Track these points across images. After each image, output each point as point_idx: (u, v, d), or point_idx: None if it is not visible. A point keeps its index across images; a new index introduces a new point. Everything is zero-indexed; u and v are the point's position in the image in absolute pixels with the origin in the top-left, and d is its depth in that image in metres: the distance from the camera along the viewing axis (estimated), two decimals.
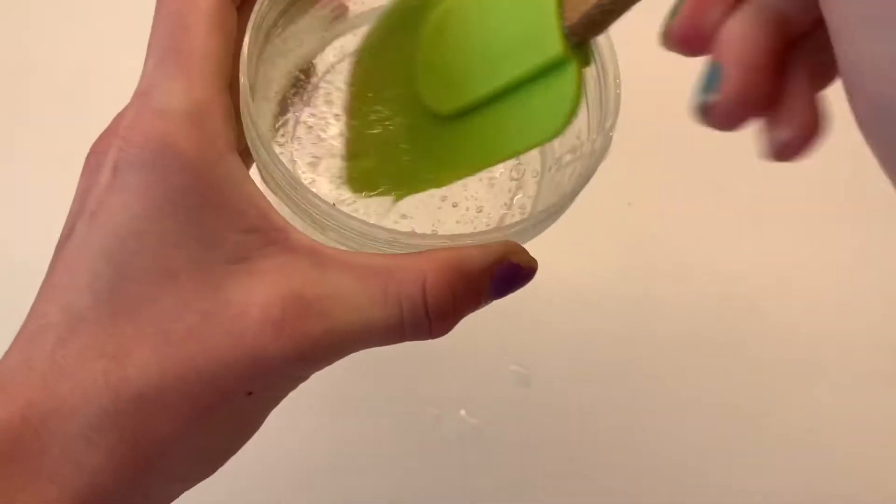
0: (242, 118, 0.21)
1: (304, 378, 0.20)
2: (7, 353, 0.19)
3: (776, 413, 0.39)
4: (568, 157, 0.26)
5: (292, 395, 0.36)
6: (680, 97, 0.46)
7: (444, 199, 0.26)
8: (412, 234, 0.21)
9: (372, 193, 0.24)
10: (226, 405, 0.18)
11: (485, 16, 0.22)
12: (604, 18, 0.19)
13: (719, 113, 0.16)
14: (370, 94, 0.25)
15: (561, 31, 0.20)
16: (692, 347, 0.39)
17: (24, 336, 0.19)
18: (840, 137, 0.49)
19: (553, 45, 0.20)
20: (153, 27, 0.20)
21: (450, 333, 0.38)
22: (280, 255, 0.19)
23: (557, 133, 0.20)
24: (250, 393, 0.19)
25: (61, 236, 0.20)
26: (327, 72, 0.26)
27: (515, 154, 0.23)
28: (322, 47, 0.27)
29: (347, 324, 0.19)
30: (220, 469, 0.34)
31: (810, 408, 0.39)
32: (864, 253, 0.43)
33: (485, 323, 0.38)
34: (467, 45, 0.22)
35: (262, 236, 0.19)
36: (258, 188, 0.20)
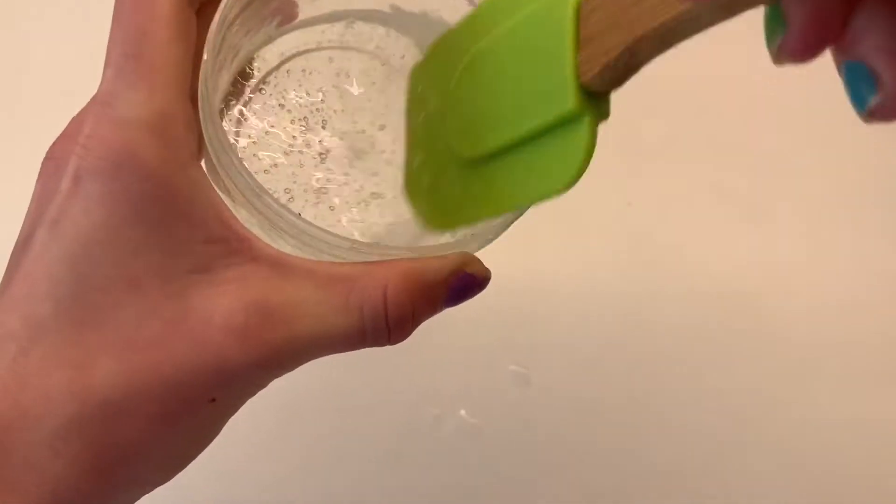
0: (203, 125, 0.21)
1: (265, 384, 0.20)
2: None
3: (776, 411, 0.39)
4: None
5: (293, 395, 0.36)
6: (680, 97, 0.46)
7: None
8: (372, 244, 0.21)
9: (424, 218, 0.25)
10: (189, 412, 0.19)
11: (507, 65, 0.22)
12: (625, 73, 0.19)
13: (888, 111, 0.15)
14: (419, 124, 0.26)
15: (576, 85, 0.19)
16: (692, 347, 0.39)
17: None
18: (839, 138, 0.49)
19: (567, 99, 0.19)
20: (112, 33, 0.20)
21: (450, 333, 0.38)
22: (243, 265, 0.19)
23: (567, 187, 0.20)
24: (213, 400, 0.19)
25: (17, 242, 0.20)
26: (270, 72, 0.26)
27: (529, 205, 0.22)
28: (264, 46, 0.27)
29: (310, 331, 0.19)
30: (220, 469, 0.34)
31: (810, 406, 0.39)
32: (863, 252, 0.43)
33: (485, 323, 0.38)
34: (490, 92, 0.22)
35: (226, 246, 0.19)
36: (220, 197, 0.20)
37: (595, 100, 0.19)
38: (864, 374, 0.40)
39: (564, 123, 0.20)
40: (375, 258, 0.21)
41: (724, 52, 0.49)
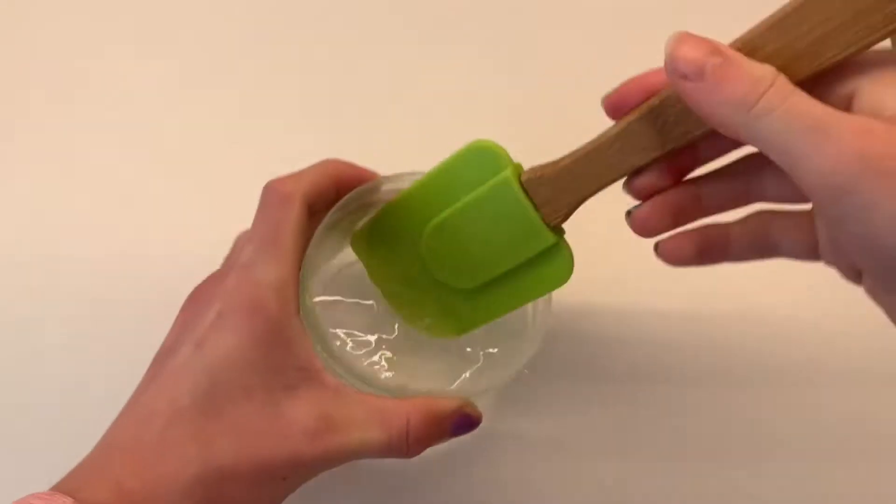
0: (300, 298, 0.30)
1: (316, 475, 0.28)
2: (119, 428, 0.27)
3: (776, 413, 0.39)
4: (505, 344, 0.35)
5: None
6: None
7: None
8: (398, 388, 0.31)
9: (416, 326, 0.34)
10: (270, 484, 0.27)
11: (480, 225, 0.30)
12: (576, 209, 0.29)
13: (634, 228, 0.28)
14: (391, 263, 0.34)
15: (547, 229, 0.29)
16: (691, 348, 0.40)
17: (135, 419, 0.27)
18: None
19: (546, 239, 0.30)
20: (256, 221, 0.30)
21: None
22: (317, 388, 0.28)
23: (565, 282, 0.30)
24: (285, 478, 0.27)
25: (162, 350, 0.28)
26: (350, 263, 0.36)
27: (521, 305, 0.32)
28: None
29: (356, 441, 0.28)
30: None
31: (809, 408, 0.39)
32: None
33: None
34: (471, 243, 0.31)
35: (307, 373, 0.28)
36: (309, 341, 0.28)
37: (558, 229, 0.30)
38: (863, 374, 0.40)
39: (544, 251, 0.30)
40: (400, 395, 0.30)
41: None
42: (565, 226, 0.31)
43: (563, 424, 0.38)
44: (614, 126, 0.27)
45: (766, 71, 0.22)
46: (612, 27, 0.49)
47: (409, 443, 0.28)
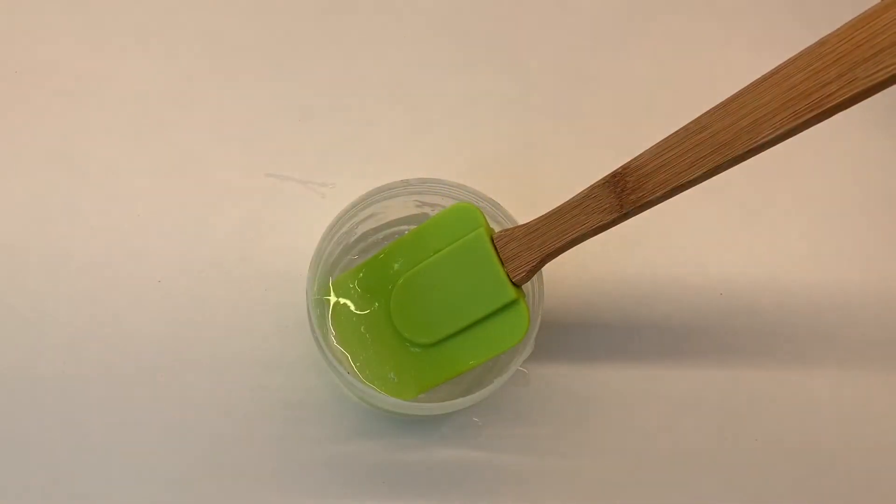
0: (330, 348, 0.33)
1: None
2: None
3: (775, 409, 0.39)
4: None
5: (299, 395, 0.36)
6: (676, 98, 0.46)
7: None
8: (411, 405, 0.33)
9: (378, 387, 0.35)
10: None
11: (449, 278, 0.33)
12: (539, 270, 0.32)
13: None
14: (360, 321, 0.36)
15: (510, 284, 0.32)
16: (691, 346, 0.40)
17: None
18: (837, 139, 0.49)
19: (508, 294, 0.32)
20: None
21: None
22: None
23: (518, 342, 0.32)
24: None
25: None
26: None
27: (478, 364, 0.33)
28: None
29: None
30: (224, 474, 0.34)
31: (808, 402, 0.39)
32: (861, 250, 0.43)
33: None
34: (437, 296, 0.34)
35: None
36: None
37: (519, 288, 0.32)
38: (860, 370, 0.40)
39: (504, 307, 0.32)
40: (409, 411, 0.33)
41: (721, 54, 0.50)
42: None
43: (562, 423, 0.38)
44: (580, 192, 0.30)
45: None
46: (611, 27, 0.49)
47: None
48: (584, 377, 0.38)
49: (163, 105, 0.43)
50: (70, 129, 0.42)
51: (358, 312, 0.36)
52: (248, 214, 0.40)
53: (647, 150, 0.28)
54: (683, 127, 0.27)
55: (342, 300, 0.36)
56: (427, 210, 0.38)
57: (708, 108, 0.27)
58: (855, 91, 0.23)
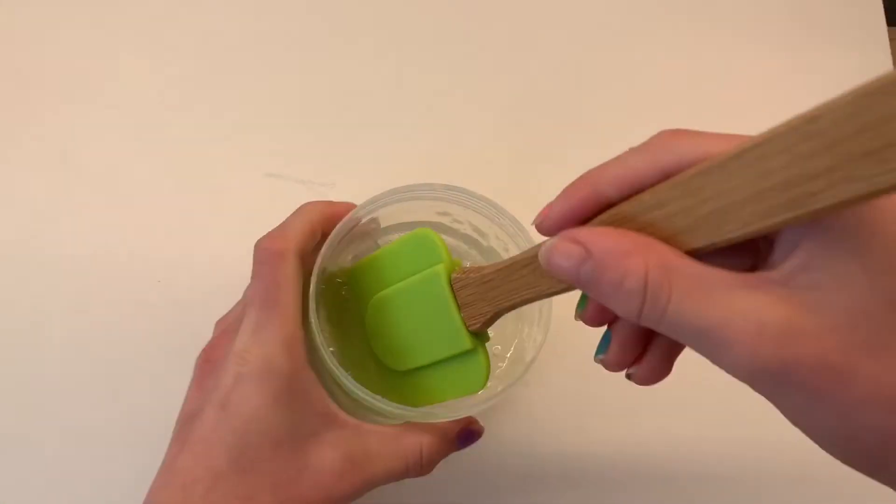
0: (313, 341, 0.32)
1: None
2: (161, 494, 0.28)
3: (775, 410, 0.39)
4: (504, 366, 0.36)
5: None
6: (679, 96, 0.46)
7: None
8: (408, 411, 0.32)
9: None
10: None
11: (410, 313, 0.32)
12: (495, 320, 0.30)
13: (605, 366, 0.26)
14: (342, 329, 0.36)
15: (467, 333, 0.30)
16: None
17: (178, 485, 0.27)
18: None
19: (464, 343, 0.30)
20: (254, 281, 0.31)
21: None
22: (336, 430, 0.30)
23: (476, 392, 0.31)
24: None
25: (186, 413, 0.30)
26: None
27: (444, 400, 0.33)
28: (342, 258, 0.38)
29: (379, 472, 0.30)
30: None
31: None
32: None
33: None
34: (401, 329, 0.33)
35: (326, 418, 0.30)
36: (321, 389, 0.30)
37: (480, 334, 0.31)
38: None
39: (463, 354, 0.31)
40: (409, 420, 0.32)
41: (722, 55, 0.50)
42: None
43: (562, 424, 0.38)
44: (532, 248, 0.26)
45: (636, 274, 0.21)
46: (611, 27, 0.49)
47: (423, 465, 0.31)
48: (585, 377, 0.38)
49: (163, 105, 0.43)
50: (70, 129, 0.42)
51: (343, 322, 0.35)
52: (248, 214, 0.40)
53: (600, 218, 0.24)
54: (637, 197, 0.22)
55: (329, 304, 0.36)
56: (446, 220, 0.37)
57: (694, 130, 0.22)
58: (849, 196, 0.17)
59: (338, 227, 0.33)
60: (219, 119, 0.43)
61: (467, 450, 0.34)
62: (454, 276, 0.30)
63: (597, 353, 0.26)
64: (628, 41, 0.48)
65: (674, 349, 0.26)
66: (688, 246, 0.21)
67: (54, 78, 0.43)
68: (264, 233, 0.31)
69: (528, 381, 0.38)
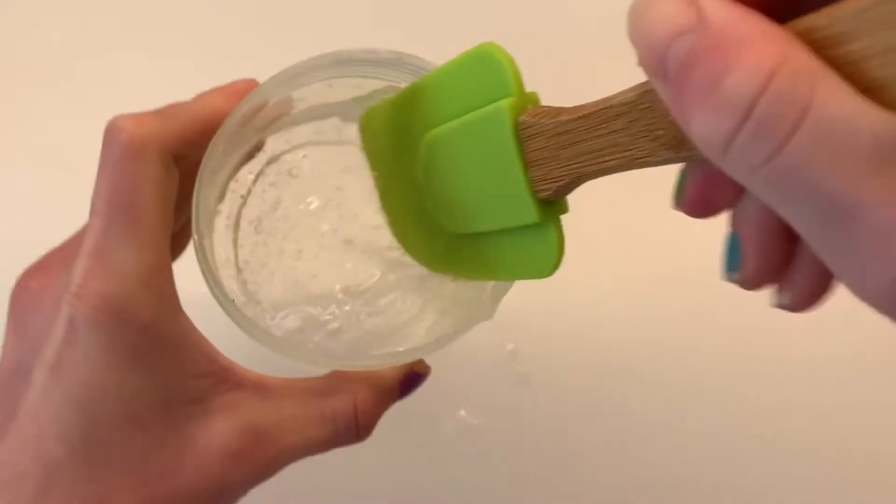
0: (198, 258, 0.23)
1: (253, 487, 0.23)
2: None
3: (774, 412, 0.39)
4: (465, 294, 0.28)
5: None
6: None
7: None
8: (340, 357, 0.24)
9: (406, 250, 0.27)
10: None
11: (467, 164, 0.23)
12: (574, 187, 0.21)
13: (742, 285, 0.18)
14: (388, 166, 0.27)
15: (534, 202, 0.21)
16: (691, 347, 0.40)
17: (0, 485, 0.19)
18: None
19: (530, 214, 0.21)
20: (98, 181, 0.21)
21: None
22: (230, 392, 0.22)
23: (545, 276, 0.22)
24: None
25: (4, 373, 0.21)
26: (258, 175, 0.28)
27: (503, 280, 0.25)
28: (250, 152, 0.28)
29: (294, 444, 0.22)
30: None
31: (808, 403, 0.39)
32: None
33: (484, 323, 0.38)
34: (457, 184, 0.24)
35: (213, 378, 0.22)
36: (203, 336, 0.22)
37: (554, 204, 0.21)
38: (860, 372, 0.40)
39: (532, 227, 0.22)
40: (339, 368, 0.24)
41: None
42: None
43: (562, 424, 0.38)
44: (631, 87, 0.18)
45: (761, 64, 0.12)
46: (611, 27, 0.49)
47: (360, 427, 0.23)
48: (585, 377, 0.38)
49: (162, 104, 0.43)
50: (69, 129, 0.42)
51: (391, 160, 0.27)
52: None
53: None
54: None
55: (375, 136, 0.27)
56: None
57: None
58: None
59: (233, 112, 0.24)
60: None
61: (464, 450, 0.33)
62: (523, 118, 0.21)
63: (727, 269, 0.18)
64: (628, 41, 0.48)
65: None
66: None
67: (54, 78, 0.43)
68: None
69: (528, 380, 0.38)
